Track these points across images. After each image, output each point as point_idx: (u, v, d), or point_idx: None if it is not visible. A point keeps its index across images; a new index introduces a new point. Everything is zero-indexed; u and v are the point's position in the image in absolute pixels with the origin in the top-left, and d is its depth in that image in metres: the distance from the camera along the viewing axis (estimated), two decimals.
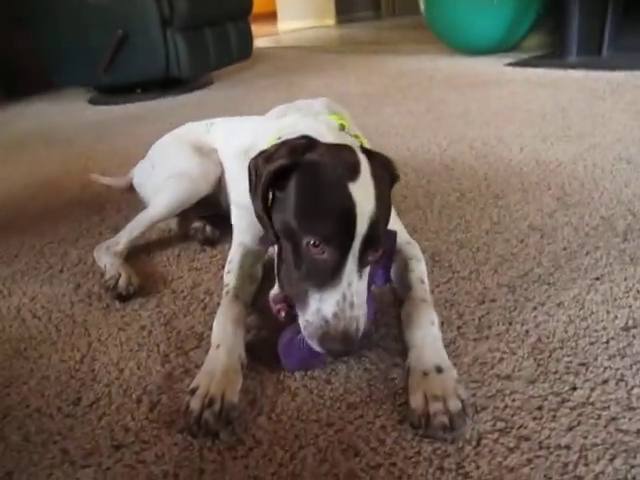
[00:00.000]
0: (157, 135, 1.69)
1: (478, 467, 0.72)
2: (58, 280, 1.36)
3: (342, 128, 1.12)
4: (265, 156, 0.94)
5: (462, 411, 0.78)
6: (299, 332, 0.86)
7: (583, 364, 0.89)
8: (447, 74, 3.40)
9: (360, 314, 0.82)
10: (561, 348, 0.93)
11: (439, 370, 0.84)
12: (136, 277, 1.28)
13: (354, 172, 0.85)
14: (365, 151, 0.93)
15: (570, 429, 0.76)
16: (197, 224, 1.48)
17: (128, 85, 3.68)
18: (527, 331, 0.97)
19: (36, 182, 2.15)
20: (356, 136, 1.12)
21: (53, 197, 1.94)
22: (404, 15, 8.51)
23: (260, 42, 5.57)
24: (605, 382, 0.85)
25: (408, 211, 1.50)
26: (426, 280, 1.06)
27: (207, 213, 1.51)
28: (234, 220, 1.27)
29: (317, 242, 0.82)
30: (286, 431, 0.82)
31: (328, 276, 0.82)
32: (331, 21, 8.78)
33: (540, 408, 0.80)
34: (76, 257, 1.46)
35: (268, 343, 1.01)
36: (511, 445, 0.75)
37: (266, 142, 1.07)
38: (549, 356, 0.91)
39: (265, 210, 0.93)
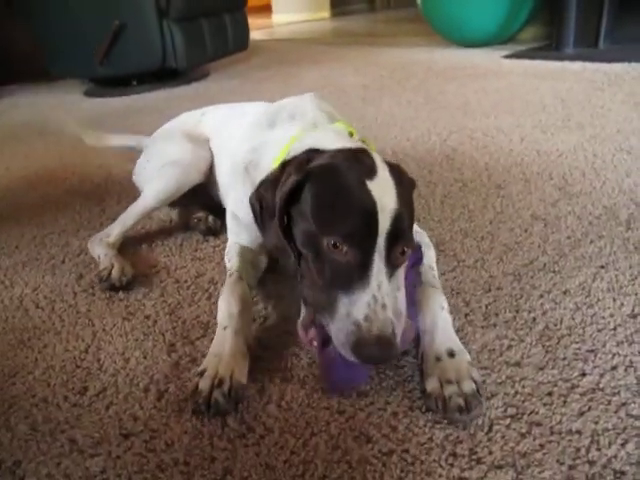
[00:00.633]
0: (154, 127, 1.68)
1: (491, 452, 0.72)
2: (60, 271, 1.35)
3: (351, 135, 1.08)
4: (270, 184, 0.91)
5: (476, 392, 0.78)
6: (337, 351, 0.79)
7: (591, 351, 0.89)
8: (444, 66, 3.39)
9: (394, 317, 0.76)
10: (569, 335, 0.93)
11: (451, 354, 0.84)
12: (130, 268, 1.28)
13: (370, 171, 0.83)
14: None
15: (581, 414, 0.77)
16: (199, 214, 1.47)
17: (124, 77, 3.65)
18: (534, 318, 0.98)
19: (34, 173, 2.13)
20: (362, 141, 1.10)
21: (52, 188, 1.93)
22: (399, 8, 8.50)
23: (255, 35, 5.53)
24: (614, 368, 0.85)
25: None
26: (435, 266, 1.06)
27: (199, 202, 1.51)
28: (229, 223, 1.24)
29: (337, 243, 0.78)
30: (297, 419, 0.82)
31: (355, 277, 0.77)
32: (326, 14, 8.75)
33: (550, 394, 0.80)
34: (77, 248, 1.45)
35: (275, 332, 1.01)
36: (523, 431, 0.75)
37: (271, 161, 1.04)
38: (557, 343, 0.91)
39: (285, 236, 0.88)
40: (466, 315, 1.00)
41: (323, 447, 0.76)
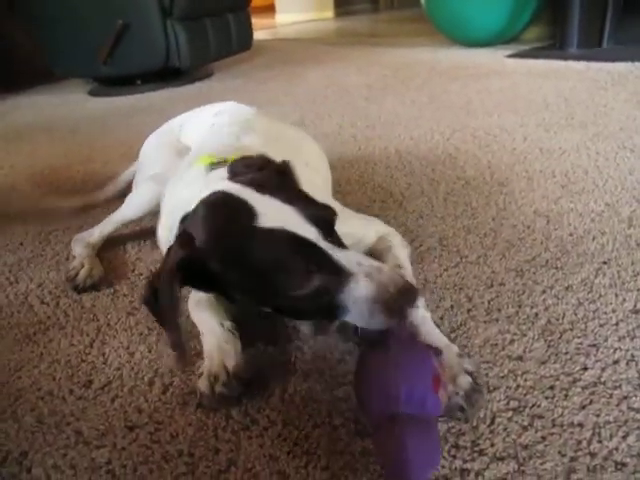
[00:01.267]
0: (157, 126, 1.67)
1: (493, 444, 0.73)
2: (65, 267, 1.36)
3: (210, 168, 0.99)
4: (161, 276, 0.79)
5: (474, 384, 0.77)
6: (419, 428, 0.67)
7: (593, 345, 0.89)
8: (448, 65, 3.40)
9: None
10: (571, 330, 0.93)
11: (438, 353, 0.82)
12: (100, 270, 1.29)
13: (248, 211, 0.76)
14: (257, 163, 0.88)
15: (583, 407, 0.77)
16: None
17: (128, 76, 3.66)
18: (537, 314, 0.98)
19: (39, 172, 2.15)
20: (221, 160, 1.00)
21: (56, 187, 1.94)
22: (403, 7, 8.48)
23: (259, 35, 5.54)
24: (616, 362, 0.85)
25: (414, 198, 1.50)
26: (406, 265, 1.03)
27: None
28: None
29: (293, 289, 0.74)
30: (299, 411, 0.82)
31: (336, 282, 0.73)
32: (329, 14, 8.75)
33: (552, 388, 0.81)
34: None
35: (278, 326, 1.02)
36: (525, 423, 0.76)
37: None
38: (559, 338, 0.92)
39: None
40: (469, 310, 1.01)
41: (326, 439, 0.77)
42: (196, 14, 3.51)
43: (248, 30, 4.20)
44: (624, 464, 0.68)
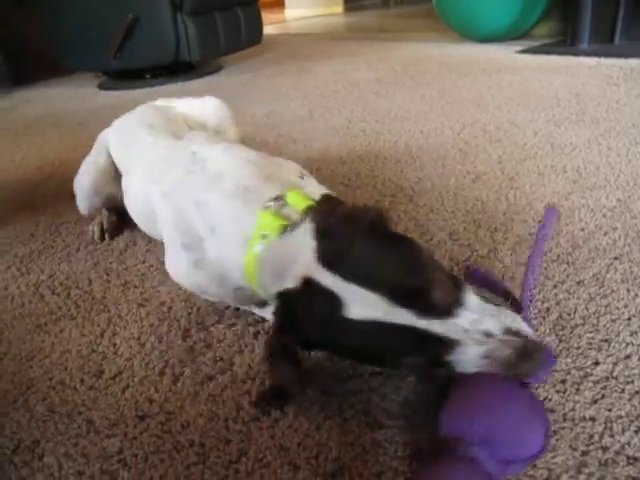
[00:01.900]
0: None
1: None
2: (75, 258, 1.37)
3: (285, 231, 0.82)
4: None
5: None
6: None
7: (605, 340, 0.89)
8: (458, 61, 3.38)
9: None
10: (583, 325, 0.93)
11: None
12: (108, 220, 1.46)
13: (332, 301, 0.69)
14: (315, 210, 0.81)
15: (594, 402, 0.77)
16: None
17: (137, 70, 3.67)
18: (548, 308, 0.98)
19: (49, 165, 2.16)
20: (293, 199, 0.87)
21: (67, 179, 1.93)
22: (412, 3, 8.44)
23: (268, 29, 5.53)
24: (628, 357, 0.85)
25: (424, 192, 1.50)
26: None
27: None
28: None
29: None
30: (311, 403, 0.82)
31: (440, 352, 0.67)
32: (339, 9, 8.72)
33: (564, 382, 0.81)
34: (92, 236, 1.46)
35: None
36: None
37: None
38: (571, 332, 0.91)
39: None
40: None
41: (337, 430, 0.77)
42: (206, 8, 3.51)
43: (258, 25, 4.20)
44: (636, 458, 0.68)
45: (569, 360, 0.85)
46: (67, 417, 0.86)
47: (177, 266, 1.01)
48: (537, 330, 0.92)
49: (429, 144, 1.90)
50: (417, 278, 0.68)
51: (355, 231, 0.72)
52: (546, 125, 1.97)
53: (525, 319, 0.71)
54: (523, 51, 3.47)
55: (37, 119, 3.06)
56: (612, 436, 0.71)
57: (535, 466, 0.68)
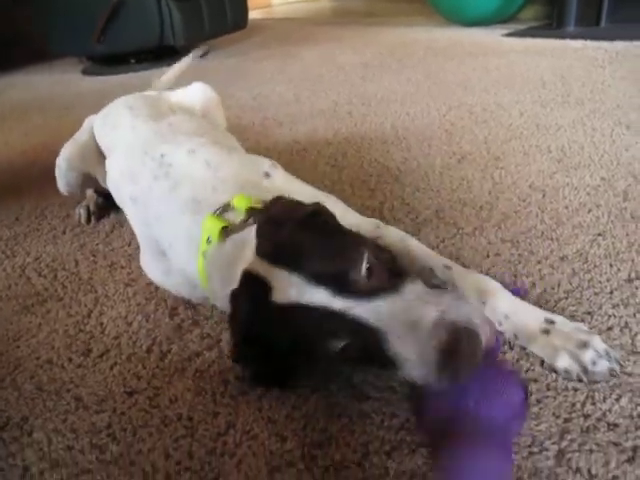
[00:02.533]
0: None
1: None
2: (61, 241, 1.36)
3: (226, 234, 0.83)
4: None
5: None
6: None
7: (588, 313, 0.90)
8: (444, 44, 3.38)
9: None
10: (566, 298, 0.94)
11: (550, 321, 0.82)
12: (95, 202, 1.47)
13: (262, 287, 0.69)
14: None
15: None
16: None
17: (122, 55, 3.64)
18: (533, 283, 0.99)
19: (33, 149, 2.14)
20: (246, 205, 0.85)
21: (51, 163, 1.92)
22: None
23: (253, 14, 5.47)
24: (610, 329, 0.86)
25: (410, 172, 1.51)
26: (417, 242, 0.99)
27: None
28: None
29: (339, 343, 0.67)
30: (296, 379, 0.83)
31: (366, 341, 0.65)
32: None
33: None
34: (78, 219, 1.46)
35: None
36: None
37: None
38: (555, 306, 0.92)
39: None
40: None
41: (323, 403, 0.78)
42: None
43: (243, 9, 4.17)
44: (616, 424, 0.70)
45: None
46: (55, 394, 0.86)
47: (151, 272, 1.07)
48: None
49: (415, 126, 1.90)
50: (340, 261, 0.67)
51: (291, 222, 0.72)
52: (532, 106, 1.98)
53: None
54: (509, 34, 3.47)
55: (22, 104, 3.02)
56: (594, 404, 0.73)
57: (519, 434, 0.69)
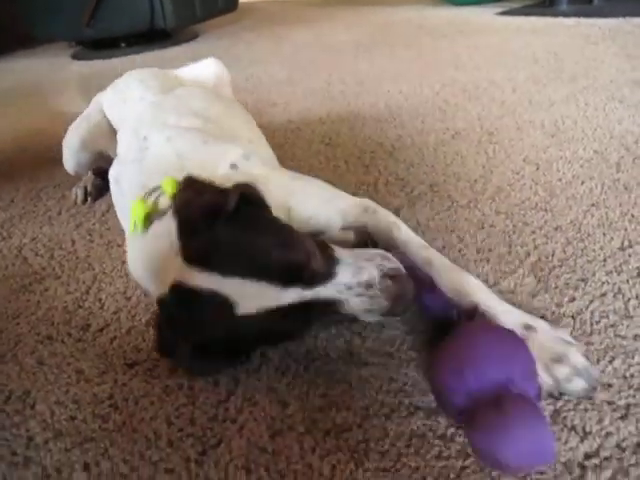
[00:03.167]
0: None
1: None
2: (57, 221, 1.36)
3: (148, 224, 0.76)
4: None
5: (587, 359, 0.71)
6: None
7: (582, 279, 0.91)
8: (437, 23, 3.36)
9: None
10: (560, 266, 0.95)
11: (528, 327, 0.74)
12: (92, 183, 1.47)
13: (218, 302, 0.65)
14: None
15: (571, 335, 0.79)
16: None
17: (112, 39, 3.61)
18: (527, 252, 1.00)
19: (25, 134, 2.13)
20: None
21: (44, 147, 1.92)
22: None
23: None
24: (603, 295, 0.87)
25: (404, 148, 1.51)
26: (414, 237, 0.92)
27: None
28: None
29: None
30: (297, 346, 0.84)
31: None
32: None
33: (543, 317, 0.83)
34: (75, 199, 1.46)
35: None
36: None
37: None
38: (549, 273, 0.94)
39: None
40: (459, 250, 1.03)
41: (324, 370, 0.79)
42: None
43: None
44: (610, 385, 0.71)
45: (547, 297, 0.87)
46: (57, 368, 0.87)
47: None
48: (516, 272, 0.95)
49: (408, 104, 1.90)
50: (293, 254, 0.67)
51: (218, 221, 0.66)
52: (525, 83, 1.99)
53: None
54: (503, 13, 3.46)
55: (11, 90, 3.00)
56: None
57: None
